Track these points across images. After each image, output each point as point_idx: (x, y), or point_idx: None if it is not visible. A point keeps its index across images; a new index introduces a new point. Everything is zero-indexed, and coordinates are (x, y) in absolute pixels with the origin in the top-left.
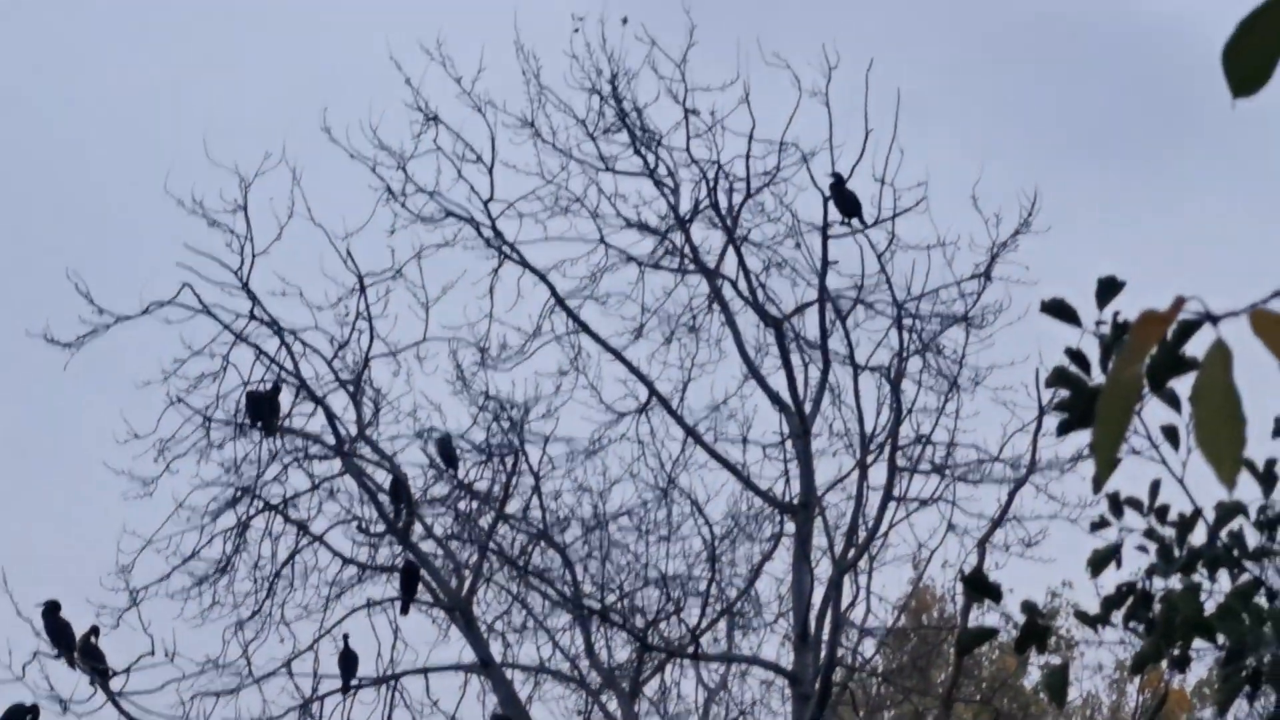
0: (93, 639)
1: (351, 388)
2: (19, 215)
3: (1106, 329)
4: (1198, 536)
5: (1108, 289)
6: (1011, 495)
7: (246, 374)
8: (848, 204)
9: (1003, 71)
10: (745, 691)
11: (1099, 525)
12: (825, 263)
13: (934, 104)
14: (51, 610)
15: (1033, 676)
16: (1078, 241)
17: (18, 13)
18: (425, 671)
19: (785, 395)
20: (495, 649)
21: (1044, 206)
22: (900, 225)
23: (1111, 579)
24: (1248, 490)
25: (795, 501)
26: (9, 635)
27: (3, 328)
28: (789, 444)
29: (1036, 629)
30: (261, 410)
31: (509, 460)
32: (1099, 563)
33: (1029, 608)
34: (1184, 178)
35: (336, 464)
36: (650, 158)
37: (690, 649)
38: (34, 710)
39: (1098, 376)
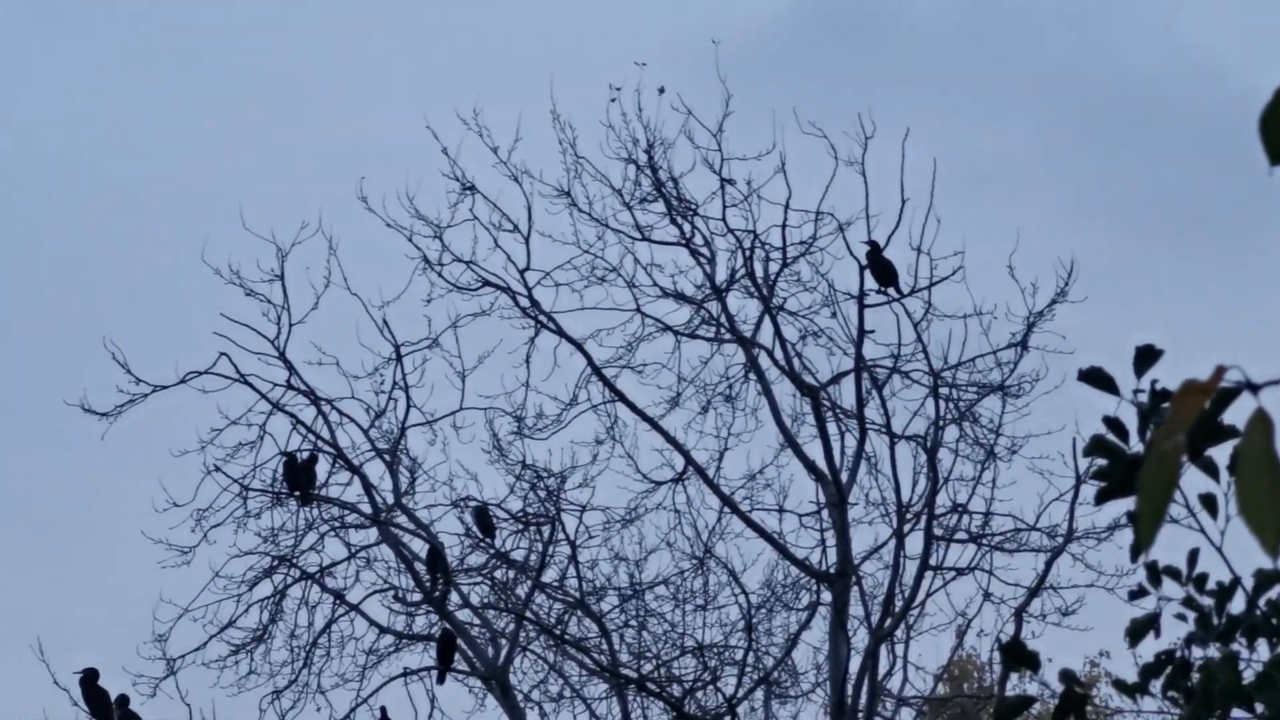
0: (128, 706)
1: (388, 457)
2: (57, 285)
3: (1144, 397)
4: (1236, 605)
5: (1145, 358)
6: (1048, 564)
7: (283, 443)
8: (884, 273)
9: (1077, 141)
10: None
11: (1137, 594)
12: (861, 332)
13: (1009, 174)
14: (90, 679)
15: None
16: (1116, 311)
17: (58, 84)
18: None
19: (822, 464)
20: (532, 718)
21: (1093, 276)
22: (936, 294)
23: (1150, 648)
24: None
25: (832, 570)
26: (46, 703)
27: (41, 397)
28: (825, 513)
29: (1075, 698)
30: (298, 478)
31: (545, 529)
32: (1137, 632)
33: (1067, 676)
34: (1236, 251)
35: (373, 533)
36: (686, 227)
37: (727, 718)
38: None
39: (1135, 445)
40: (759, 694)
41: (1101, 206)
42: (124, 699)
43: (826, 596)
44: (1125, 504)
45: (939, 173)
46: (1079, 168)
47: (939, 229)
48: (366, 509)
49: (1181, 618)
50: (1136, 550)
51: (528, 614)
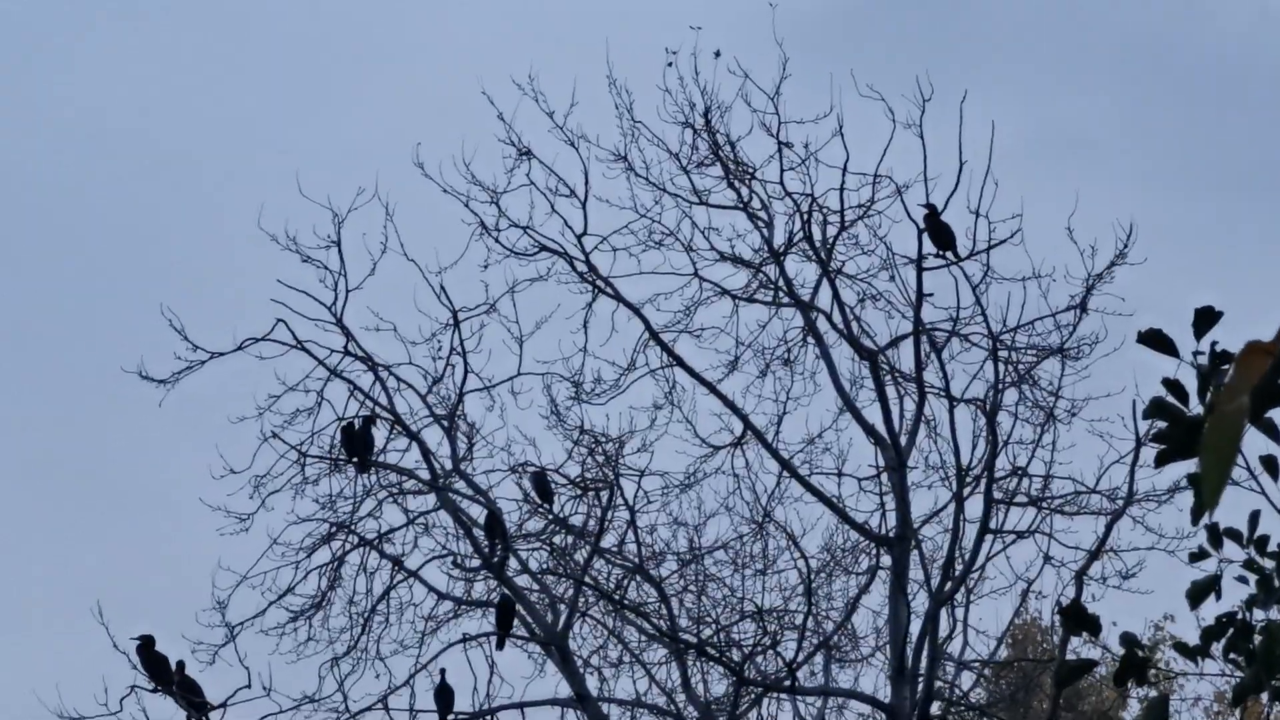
0: (184, 670)
1: (446, 423)
2: (114, 253)
3: (1204, 359)
4: None
5: (1205, 319)
6: (1109, 527)
7: (341, 409)
8: (942, 236)
9: (1151, 103)
10: None
11: (1198, 556)
12: (920, 295)
13: (1086, 138)
14: (147, 645)
15: (1133, 710)
16: (1176, 273)
17: (114, 54)
18: (521, 706)
19: (881, 428)
20: (591, 683)
21: (1157, 239)
22: (995, 257)
23: (1211, 610)
24: None
25: (891, 534)
26: (105, 669)
27: (99, 364)
28: (884, 477)
29: (1136, 661)
30: (356, 445)
31: (604, 494)
32: (1198, 594)
33: (1128, 639)
34: None
35: (431, 499)
36: (744, 191)
37: (787, 683)
38: None
39: (1195, 407)
40: (819, 658)
41: (1167, 169)
42: (180, 665)
43: (886, 560)
44: (1185, 466)
45: (1014, 137)
46: (1151, 129)
47: (997, 192)
48: (425, 475)
49: (1243, 580)
50: (1198, 512)
51: (587, 579)
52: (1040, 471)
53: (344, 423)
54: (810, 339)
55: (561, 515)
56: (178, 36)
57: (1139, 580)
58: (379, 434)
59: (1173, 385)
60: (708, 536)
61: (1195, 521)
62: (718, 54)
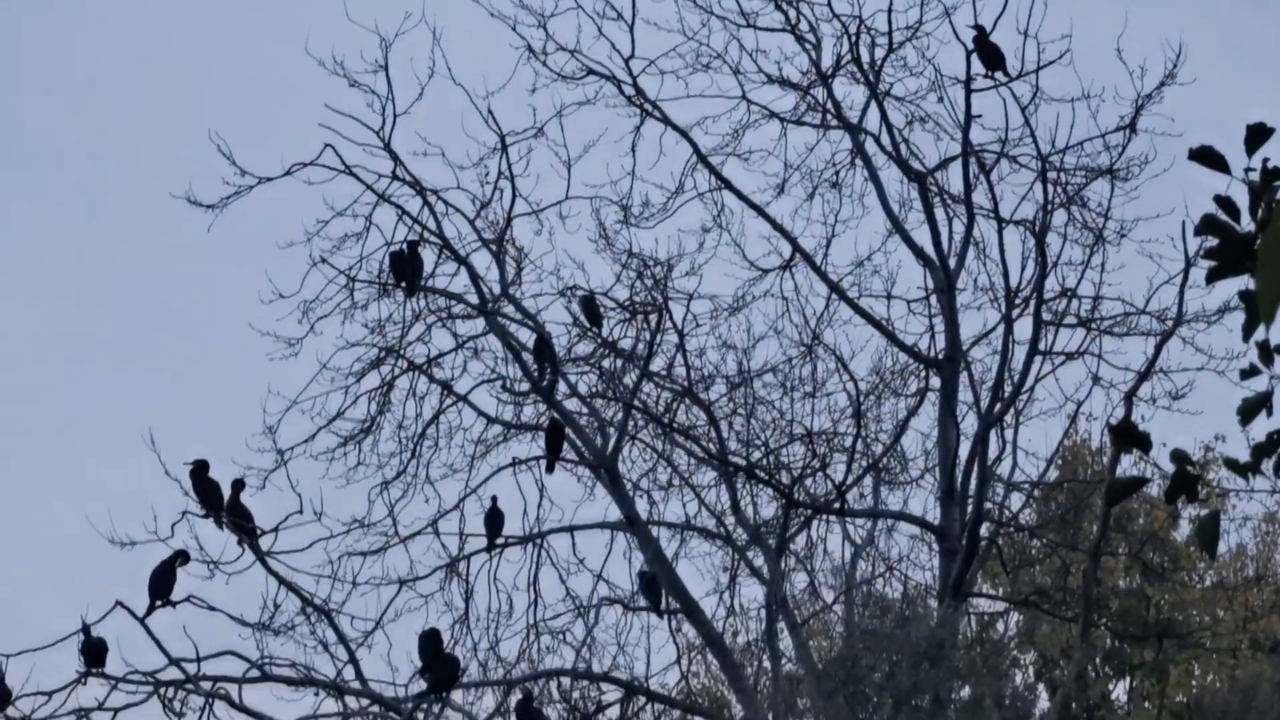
0: (239, 493)
1: (494, 247)
2: (161, 78)
3: (1256, 176)
4: None
5: (1257, 136)
6: (1158, 348)
7: (389, 234)
8: (991, 56)
9: None
10: (892, 547)
11: (1249, 374)
12: (969, 116)
13: None
14: (200, 470)
15: (1183, 531)
16: (1227, 92)
17: None
18: (571, 529)
19: (929, 250)
20: (641, 506)
21: (1207, 57)
22: (1044, 78)
23: (1262, 428)
24: None
25: (940, 356)
26: (157, 495)
27: (147, 189)
28: (933, 299)
29: (1187, 478)
30: (404, 270)
31: (653, 318)
32: (1249, 411)
33: (1179, 456)
34: None
35: (480, 323)
36: (791, 13)
37: (836, 505)
38: (183, 555)
39: (1247, 224)
40: (868, 480)
41: None
42: (240, 482)
43: (935, 382)
44: (1235, 285)
45: None
46: None
47: (1046, 12)
48: (473, 299)
49: None
50: (1250, 328)
51: (636, 403)
52: (1089, 293)
53: (393, 248)
54: (859, 161)
55: (610, 339)
56: None
57: (1188, 401)
58: (427, 258)
59: (1224, 202)
60: (757, 359)
61: (1247, 338)
62: None
